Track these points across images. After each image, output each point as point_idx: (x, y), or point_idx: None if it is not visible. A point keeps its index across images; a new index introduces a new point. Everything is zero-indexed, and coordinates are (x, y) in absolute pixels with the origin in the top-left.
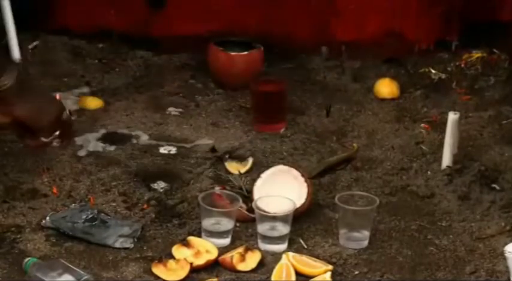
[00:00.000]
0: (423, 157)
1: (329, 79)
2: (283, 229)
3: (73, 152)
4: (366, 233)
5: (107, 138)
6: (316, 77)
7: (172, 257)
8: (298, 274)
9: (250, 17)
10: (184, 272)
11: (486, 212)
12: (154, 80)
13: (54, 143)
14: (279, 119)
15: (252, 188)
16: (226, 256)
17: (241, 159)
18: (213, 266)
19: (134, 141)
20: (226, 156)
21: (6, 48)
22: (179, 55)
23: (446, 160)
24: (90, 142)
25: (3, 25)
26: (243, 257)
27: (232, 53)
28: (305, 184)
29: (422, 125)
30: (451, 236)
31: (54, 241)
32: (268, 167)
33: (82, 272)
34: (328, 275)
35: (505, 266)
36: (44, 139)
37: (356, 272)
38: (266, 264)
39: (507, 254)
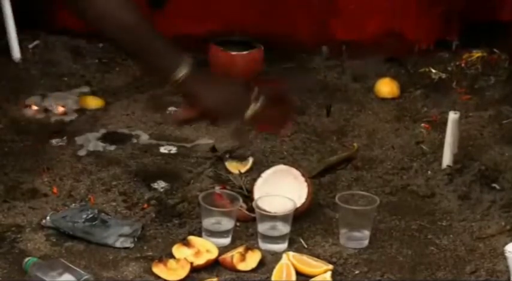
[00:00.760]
0: (423, 157)
1: (329, 79)
2: (284, 228)
3: (73, 152)
4: (366, 233)
5: (107, 138)
6: (316, 77)
7: (172, 256)
8: (298, 273)
9: (251, 16)
10: (184, 271)
11: (486, 211)
12: (154, 80)
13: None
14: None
15: (253, 188)
16: (227, 256)
17: (241, 159)
18: (214, 265)
19: (134, 140)
20: (227, 156)
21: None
22: None
23: (447, 159)
24: (91, 142)
25: (3, 24)
26: (243, 257)
27: (233, 53)
28: (305, 184)
29: (422, 124)
30: (451, 235)
31: (54, 240)
32: (268, 166)
33: (82, 272)
34: (328, 274)
35: (505, 266)
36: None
37: (356, 272)
38: (266, 264)
39: (507, 254)
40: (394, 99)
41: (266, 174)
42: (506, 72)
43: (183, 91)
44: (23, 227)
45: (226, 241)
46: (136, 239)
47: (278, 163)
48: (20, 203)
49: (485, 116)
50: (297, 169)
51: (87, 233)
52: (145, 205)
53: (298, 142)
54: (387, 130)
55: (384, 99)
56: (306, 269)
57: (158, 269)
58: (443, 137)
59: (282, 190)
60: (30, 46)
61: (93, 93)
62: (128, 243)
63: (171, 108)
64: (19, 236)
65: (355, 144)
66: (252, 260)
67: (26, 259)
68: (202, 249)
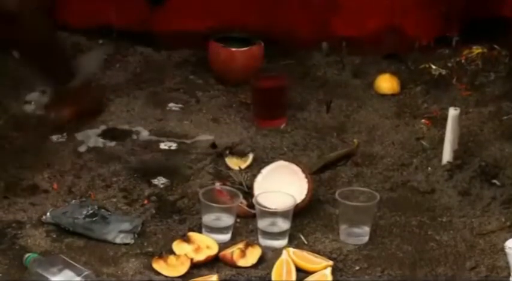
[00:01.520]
0: (424, 153)
1: (329, 75)
2: (284, 224)
3: (73, 148)
4: (367, 229)
5: (107, 134)
6: (316, 73)
7: (172, 252)
8: (298, 269)
9: (251, 12)
10: (184, 267)
11: (486, 207)
12: (154, 76)
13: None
14: (279, 114)
15: (253, 184)
16: (227, 252)
17: (241, 155)
18: (214, 261)
19: (135, 137)
20: (227, 152)
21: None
22: (179, 51)
23: (447, 155)
24: (91, 138)
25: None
26: (243, 253)
27: (233, 49)
28: (305, 180)
29: (422, 120)
30: (451, 231)
31: (54, 236)
32: (268, 162)
33: (82, 268)
34: (328, 270)
35: (506, 262)
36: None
37: (356, 268)
38: (266, 260)
39: (507, 250)
40: (394, 96)
41: (266, 170)
42: (507, 68)
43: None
44: (23, 223)
45: (226, 237)
46: (136, 235)
47: (278, 159)
48: (21, 200)
49: (485, 112)
50: (297, 165)
51: (87, 229)
52: (146, 201)
53: (299, 138)
54: (387, 126)
55: (384, 96)
56: (306, 265)
57: (158, 265)
58: (444, 133)
59: (282, 186)
60: None
61: None
62: (128, 239)
63: (171, 105)
64: (19, 232)
65: (355, 140)
66: (252, 256)
67: (26, 255)
68: (203, 245)
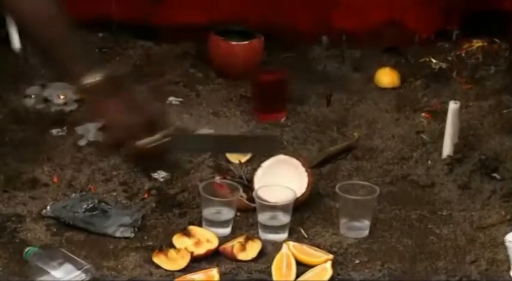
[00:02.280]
0: (424, 146)
1: (329, 68)
2: (284, 218)
3: (73, 142)
4: (367, 223)
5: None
6: (316, 67)
7: (172, 246)
8: (298, 263)
9: (251, 6)
10: (184, 261)
11: (487, 201)
12: (154, 69)
13: None
14: (279, 108)
15: (253, 178)
16: (227, 245)
17: None
18: (214, 255)
19: None
20: None
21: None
22: (180, 44)
23: (447, 149)
24: (91, 132)
25: (3, 15)
26: (243, 247)
27: (233, 43)
28: (305, 174)
29: (422, 114)
30: (451, 225)
31: (54, 230)
32: (268, 156)
33: (82, 262)
34: (328, 264)
35: (506, 256)
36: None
37: (356, 262)
38: (267, 253)
39: (507, 244)
40: (394, 89)
41: (266, 164)
42: (507, 61)
43: (87, 98)
44: (23, 217)
45: (226, 230)
46: (136, 229)
47: (278, 153)
48: (21, 193)
49: (485, 105)
50: (297, 158)
51: (87, 223)
52: (146, 195)
53: (299, 131)
54: (387, 120)
55: (384, 89)
56: (306, 259)
57: (158, 259)
58: (444, 127)
59: (282, 179)
60: None
61: None
62: (128, 233)
63: (171, 98)
64: (19, 226)
65: (355, 134)
66: (252, 250)
67: (27, 249)
68: (203, 239)
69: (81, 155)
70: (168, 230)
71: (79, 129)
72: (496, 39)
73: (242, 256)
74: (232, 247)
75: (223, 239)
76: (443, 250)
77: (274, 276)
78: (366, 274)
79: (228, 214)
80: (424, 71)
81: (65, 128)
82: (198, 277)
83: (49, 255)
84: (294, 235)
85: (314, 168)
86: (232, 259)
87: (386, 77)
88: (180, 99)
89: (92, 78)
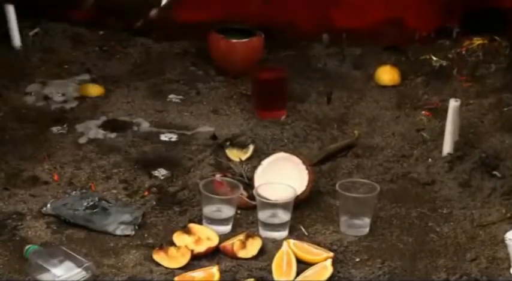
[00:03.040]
0: (424, 144)
1: (330, 66)
2: (284, 216)
3: (74, 140)
4: (367, 221)
5: (107, 126)
6: (317, 65)
7: (173, 244)
8: (299, 261)
9: (251, 4)
10: (185, 259)
11: (487, 199)
12: (155, 67)
13: None
14: (279, 106)
15: (253, 175)
16: (227, 243)
17: (242, 146)
18: (214, 253)
19: (135, 128)
20: (227, 143)
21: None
22: (180, 42)
23: (447, 147)
24: (91, 129)
25: (4, 13)
26: (243, 245)
27: (233, 40)
28: (306, 171)
29: (423, 112)
30: (451, 223)
31: (55, 228)
32: (269, 154)
33: (83, 259)
34: (329, 262)
35: (506, 253)
36: None
37: (357, 259)
38: (267, 251)
39: (507, 242)
40: (394, 87)
41: (267, 162)
42: (507, 59)
43: None
44: (23, 214)
45: (226, 228)
46: (136, 227)
47: (279, 151)
48: (21, 191)
49: (485, 103)
50: (297, 156)
51: (87, 221)
52: (146, 193)
53: (299, 129)
54: (388, 118)
55: (384, 87)
56: (306, 257)
57: (159, 257)
58: (444, 125)
59: (282, 177)
60: (31, 34)
61: (93, 81)
62: (129, 231)
63: (172, 96)
64: (20, 223)
65: (355, 131)
66: (253, 247)
67: (27, 247)
68: (203, 236)
69: (82, 152)
70: (168, 228)
71: (79, 127)
72: (496, 37)
73: (242, 254)
74: (233, 244)
75: (223, 237)
76: (443, 247)
77: (275, 274)
78: (366, 271)
79: (228, 211)
80: (424, 68)
81: (65, 125)
82: (198, 274)
83: (49, 253)
84: (295, 232)
85: (314, 166)
86: (233, 256)
87: (387, 75)
88: (181, 97)
89: None
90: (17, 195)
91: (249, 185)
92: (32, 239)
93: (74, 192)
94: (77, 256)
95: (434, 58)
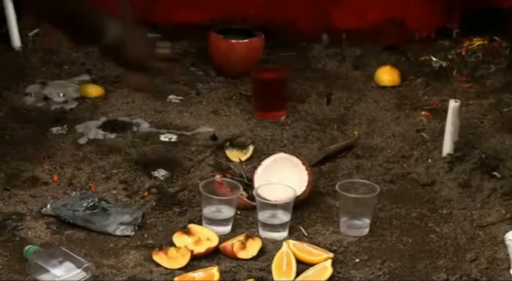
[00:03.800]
0: (424, 145)
1: (330, 67)
2: (284, 216)
3: (73, 140)
4: (367, 221)
5: (107, 126)
6: (316, 65)
7: (173, 244)
8: (298, 261)
9: (251, 4)
10: (185, 259)
11: (487, 199)
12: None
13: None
14: (279, 106)
15: (253, 176)
16: (227, 244)
17: (241, 147)
18: (214, 253)
19: (135, 129)
20: (227, 144)
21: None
22: (180, 43)
23: (447, 147)
24: (91, 130)
25: (3, 13)
26: (243, 245)
27: (233, 41)
28: (306, 172)
29: (423, 112)
30: (451, 224)
31: (54, 228)
32: (268, 154)
33: (83, 260)
34: (328, 262)
35: (506, 254)
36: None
37: (357, 260)
38: (267, 252)
39: (507, 242)
40: (394, 88)
41: (266, 162)
42: (507, 60)
43: (109, 51)
44: (23, 215)
45: (226, 229)
46: (136, 228)
47: (278, 151)
48: (21, 191)
49: (485, 104)
50: (297, 157)
51: (87, 221)
52: (146, 193)
53: (299, 130)
54: (388, 118)
55: (384, 88)
56: (306, 257)
57: (158, 257)
58: (444, 125)
59: (282, 178)
60: (31, 34)
61: (93, 81)
62: (129, 231)
63: (172, 97)
64: (20, 224)
65: (355, 132)
66: (253, 248)
67: (27, 247)
68: (203, 237)
69: (81, 153)
70: (168, 228)
71: (79, 128)
72: (496, 38)
73: (242, 255)
74: (233, 245)
75: (223, 238)
76: (443, 248)
77: (275, 274)
78: (366, 272)
79: (228, 212)
80: (424, 69)
81: (65, 126)
82: (198, 275)
83: (49, 253)
84: (294, 233)
85: (314, 166)
86: (233, 257)
87: (387, 75)
88: (180, 97)
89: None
90: (16, 195)
91: (248, 185)
92: (32, 239)
93: (74, 192)
94: (77, 257)
95: (434, 59)
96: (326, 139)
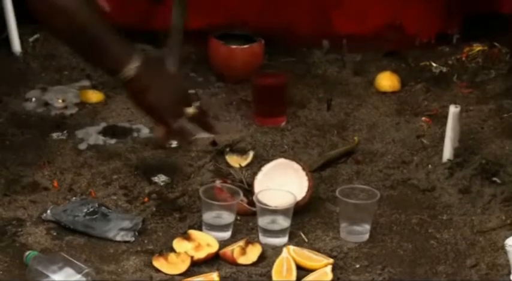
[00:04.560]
0: (424, 150)
1: (330, 73)
2: (284, 222)
3: (74, 146)
4: (367, 227)
5: (107, 132)
6: (317, 71)
7: (173, 250)
8: (299, 267)
9: (251, 10)
10: (185, 265)
11: (487, 205)
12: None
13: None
14: (279, 112)
15: (253, 182)
16: (227, 249)
17: (242, 152)
18: (214, 259)
19: (135, 134)
20: (227, 149)
21: (6, 41)
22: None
23: (447, 153)
24: (91, 135)
25: (3, 18)
26: (243, 251)
27: (233, 47)
28: (306, 177)
29: (423, 118)
30: (451, 229)
31: (55, 234)
32: (269, 160)
33: (83, 266)
34: (328, 268)
35: (506, 260)
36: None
37: (357, 266)
38: (267, 257)
39: (508, 248)
40: (394, 93)
41: (267, 168)
42: (507, 65)
43: (130, 88)
44: (23, 220)
45: (226, 234)
46: (136, 233)
47: (279, 157)
48: (21, 197)
49: (486, 109)
50: (297, 162)
51: (87, 227)
52: (146, 199)
53: (299, 135)
54: (388, 124)
55: (384, 93)
56: (306, 263)
57: (159, 263)
58: (444, 131)
59: (282, 183)
60: (31, 40)
61: (93, 87)
62: (129, 237)
63: None
64: (20, 229)
65: (355, 138)
66: (253, 254)
67: (27, 253)
68: (203, 243)
69: (82, 158)
70: (168, 234)
71: (79, 133)
72: (496, 43)
73: (242, 260)
74: (233, 251)
75: (223, 243)
76: (443, 254)
77: (275, 280)
78: (366, 278)
79: (228, 218)
80: (424, 75)
81: (65, 131)
82: None
83: (49, 259)
84: (294, 239)
85: (314, 172)
86: (233, 263)
87: (387, 81)
88: None
89: (133, 64)
90: (16, 201)
91: (249, 191)
92: (32, 245)
93: (74, 198)
94: (77, 262)
95: (435, 64)
96: (326, 145)
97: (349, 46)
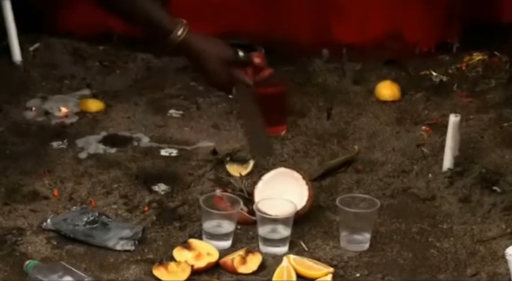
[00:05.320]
0: (424, 160)
1: (330, 81)
2: (284, 231)
3: (74, 155)
4: (367, 236)
5: (107, 141)
6: (317, 80)
7: (173, 259)
8: (299, 276)
9: (252, 19)
10: (185, 274)
11: (487, 214)
12: (155, 83)
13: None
14: (280, 121)
15: (253, 191)
16: (227, 259)
17: (242, 161)
18: (214, 268)
19: (135, 143)
20: (227, 158)
21: (7, 50)
22: (180, 57)
23: (447, 162)
24: (91, 144)
25: (4, 27)
26: (244, 260)
27: None
28: (306, 187)
29: (423, 127)
30: (452, 238)
31: (55, 243)
32: (269, 169)
33: (83, 275)
34: (329, 277)
35: (506, 269)
36: None
37: (357, 275)
38: (267, 266)
39: (508, 257)
40: (394, 102)
41: (267, 177)
42: (507, 74)
43: (183, 50)
44: (23, 229)
45: (226, 243)
46: (137, 242)
47: (279, 166)
48: (21, 206)
49: (486, 118)
50: (297, 171)
51: (87, 236)
52: (146, 208)
53: (299, 144)
54: (388, 133)
55: (384, 102)
56: (306, 272)
57: (159, 272)
58: (444, 140)
59: (282, 192)
60: (31, 48)
61: (93, 96)
62: (129, 246)
63: (172, 111)
64: (20, 239)
65: (355, 147)
66: (253, 263)
67: (27, 262)
68: (203, 252)
69: (82, 167)
70: (168, 243)
71: (79, 142)
72: (496, 53)
73: (242, 269)
74: (233, 260)
75: (223, 253)
76: (443, 263)
77: None
78: None
79: (228, 227)
80: (424, 84)
81: (65, 140)
82: None
83: (49, 268)
84: (295, 248)
85: (314, 181)
86: (233, 272)
87: (387, 90)
88: (181, 112)
89: (180, 31)
90: (17, 210)
91: (249, 200)
92: (32, 254)
93: (74, 207)
94: (77, 271)
95: (435, 73)
96: (326, 154)
97: (349, 55)
